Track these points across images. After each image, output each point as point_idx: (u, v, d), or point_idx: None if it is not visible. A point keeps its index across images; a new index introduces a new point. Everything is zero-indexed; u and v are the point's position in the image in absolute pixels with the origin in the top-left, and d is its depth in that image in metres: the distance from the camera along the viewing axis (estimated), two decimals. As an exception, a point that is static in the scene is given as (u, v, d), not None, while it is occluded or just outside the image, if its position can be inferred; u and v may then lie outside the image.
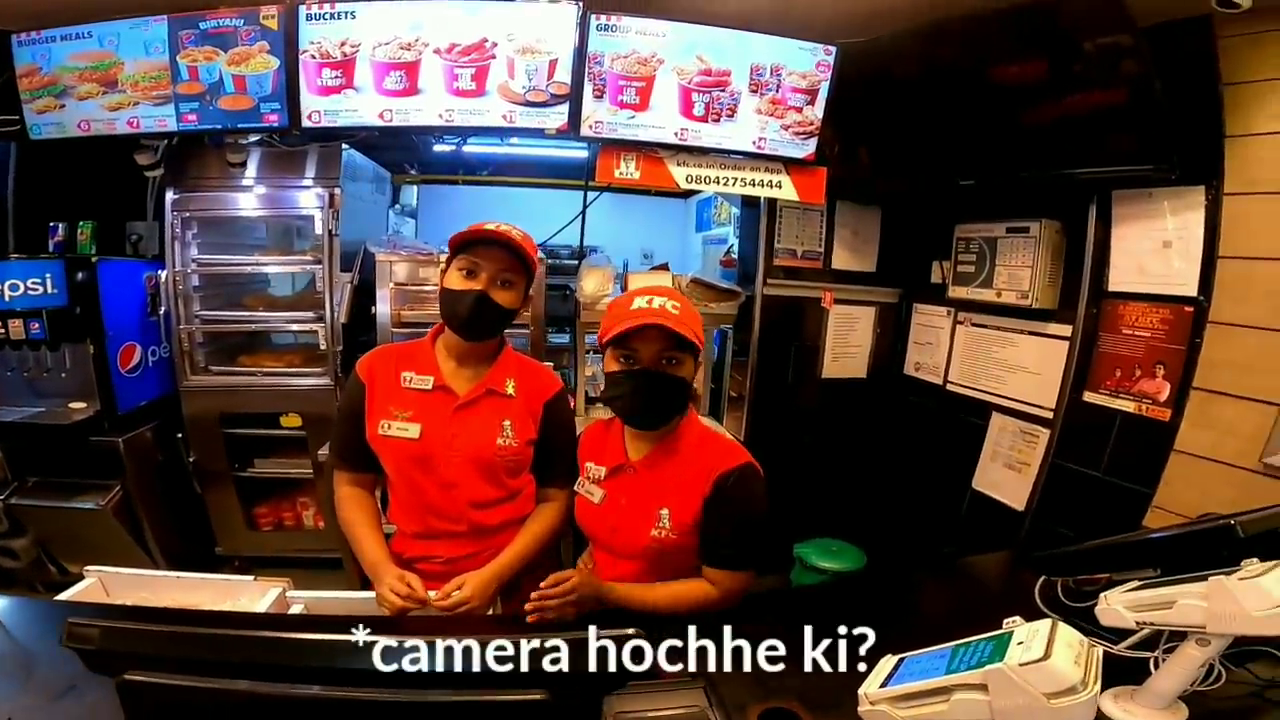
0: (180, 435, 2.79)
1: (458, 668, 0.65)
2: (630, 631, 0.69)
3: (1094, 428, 2.16)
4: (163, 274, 2.65)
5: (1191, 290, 1.91)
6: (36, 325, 2.33)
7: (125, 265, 2.68)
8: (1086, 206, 2.19)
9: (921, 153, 2.57)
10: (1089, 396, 2.20)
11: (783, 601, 1.52)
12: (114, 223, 2.91)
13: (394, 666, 0.64)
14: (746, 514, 1.32)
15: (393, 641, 0.66)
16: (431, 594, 1.33)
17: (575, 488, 1.47)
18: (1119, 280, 2.13)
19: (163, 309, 2.68)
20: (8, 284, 2.31)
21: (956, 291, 2.66)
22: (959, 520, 2.68)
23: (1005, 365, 2.53)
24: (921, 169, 2.63)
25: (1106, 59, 1.89)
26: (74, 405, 2.53)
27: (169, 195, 2.63)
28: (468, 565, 1.43)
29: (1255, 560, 0.89)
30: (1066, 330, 2.27)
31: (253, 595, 1.41)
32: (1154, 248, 2.02)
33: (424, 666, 0.64)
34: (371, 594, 1.39)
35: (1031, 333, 2.42)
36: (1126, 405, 2.07)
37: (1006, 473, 2.49)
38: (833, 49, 2.35)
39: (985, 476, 2.59)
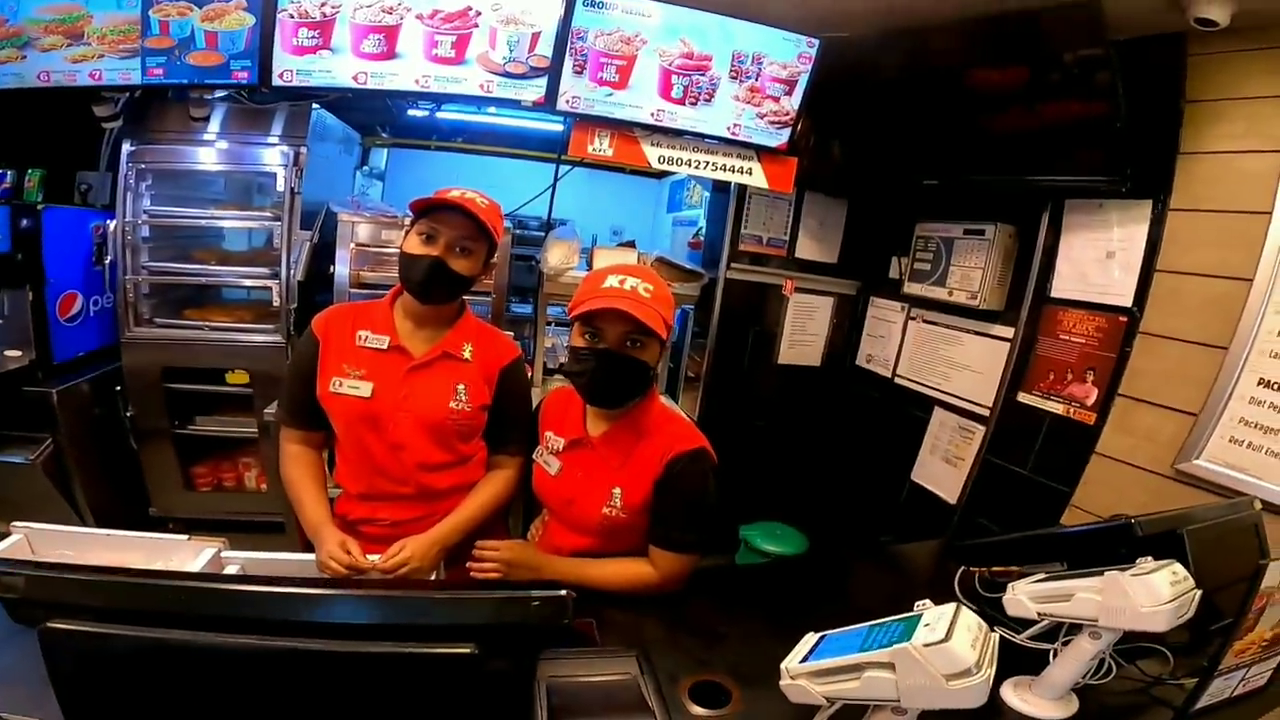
0: (119, 388, 2.68)
1: (388, 620, 0.64)
2: (562, 593, 0.69)
3: (1025, 427, 2.26)
4: (112, 224, 2.53)
5: (1127, 301, 2.00)
6: (-25, 270, 2.20)
7: (72, 213, 2.55)
8: (1040, 213, 2.27)
9: (891, 150, 2.63)
10: (1022, 397, 2.29)
11: (723, 579, 1.56)
12: (64, 172, 2.78)
13: (323, 618, 0.63)
14: (695, 499, 1.34)
15: (323, 592, 0.66)
16: (374, 558, 1.33)
17: (534, 456, 1.48)
18: (1062, 287, 2.22)
19: (109, 259, 2.56)
20: (-53, 230, 2.18)
21: (912, 288, 2.74)
22: (897, 510, 2.78)
23: (951, 362, 2.63)
24: (889, 166, 2.69)
25: (1077, 70, 1.93)
26: (9, 353, 2.38)
27: (125, 147, 2.51)
28: (413, 529, 1.43)
29: (1149, 559, 0.96)
30: (1009, 332, 2.37)
31: (186, 555, 1.36)
32: (1098, 257, 2.10)
33: (354, 619, 0.64)
34: (311, 556, 1.39)
35: (977, 332, 2.52)
36: (1056, 407, 2.17)
37: (943, 466, 2.59)
38: (816, 42, 2.37)
39: (924, 469, 2.70)
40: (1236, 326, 1.70)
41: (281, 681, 0.56)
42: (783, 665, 0.90)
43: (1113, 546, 1.04)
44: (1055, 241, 2.24)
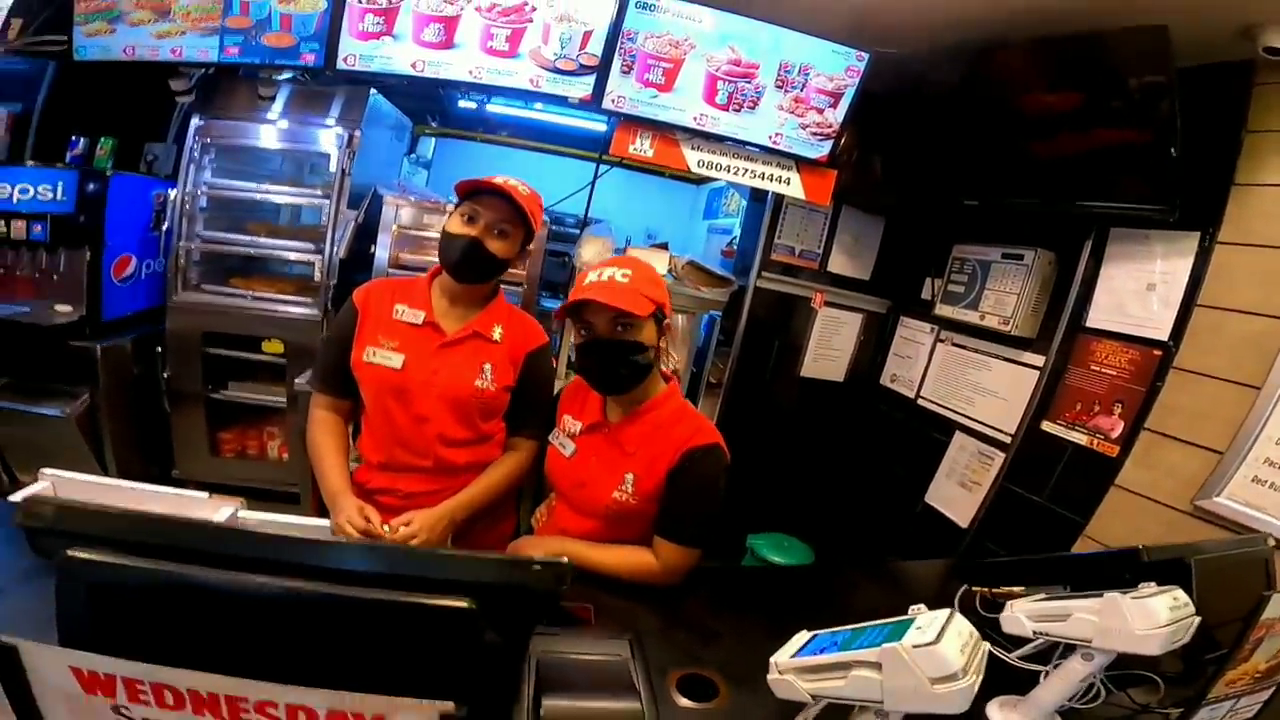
0: (160, 350, 2.79)
1: (392, 570, 0.66)
2: (563, 560, 0.71)
3: (1045, 456, 2.22)
4: (173, 193, 2.66)
5: (1164, 335, 1.96)
6: (39, 227, 2.34)
7: (137, 180, 2.69)
8: (1082, 241, 2.23)
9: (933, 169, 2.61)
10: (1046, 425, 2.25)
11: (723, 579, 1.57)
12: (133, 142, 2.93)
13: (332, 564, 0.64)
14: (706, 493, 1.35)
15: (333, 539, 0.66)
16: (385, 528, 1.38)
17: (550, 438, 1.51)
18: (1098, 317, 2.17)
19: (165, 225, 2.69)
20: (18, 187, 2.34)
21: (943, 309, 2.71)
22: (907, 531, 2.75)
23: (976, 387, 2.59)
24: (930, 185, 2.67)
25: (1137, 96, 1.89)
26: (60, 308, 2.51)
27: (194, 121, 2.65)
28: (426, 502, 1.47)
29: (1153, 584, 0.96)
30: (1039, 360, 2.32)
31: (205, 511, 1.40)
32: (1138, 289, 2.06)
33: (359, 566, 0.65)
34: (325, 521, 1.44)
35: (1006, 359, 2.47)
36: (1080, 438, 2.14)
37: (958, 490, 2.56)
38: (865, 55, 2.36)
39: (938, 491, 2.66)
40: (1272, 366, 1.66)
41: (283, 621, 0.58)
42: (772, 659, 0.91)
43: (1118, 572, 1.02)
44: (1095, 270, 2.21)
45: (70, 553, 0.54)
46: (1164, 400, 1.93)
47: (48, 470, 1.46)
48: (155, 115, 2.97)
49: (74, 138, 2.79)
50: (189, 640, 0.57)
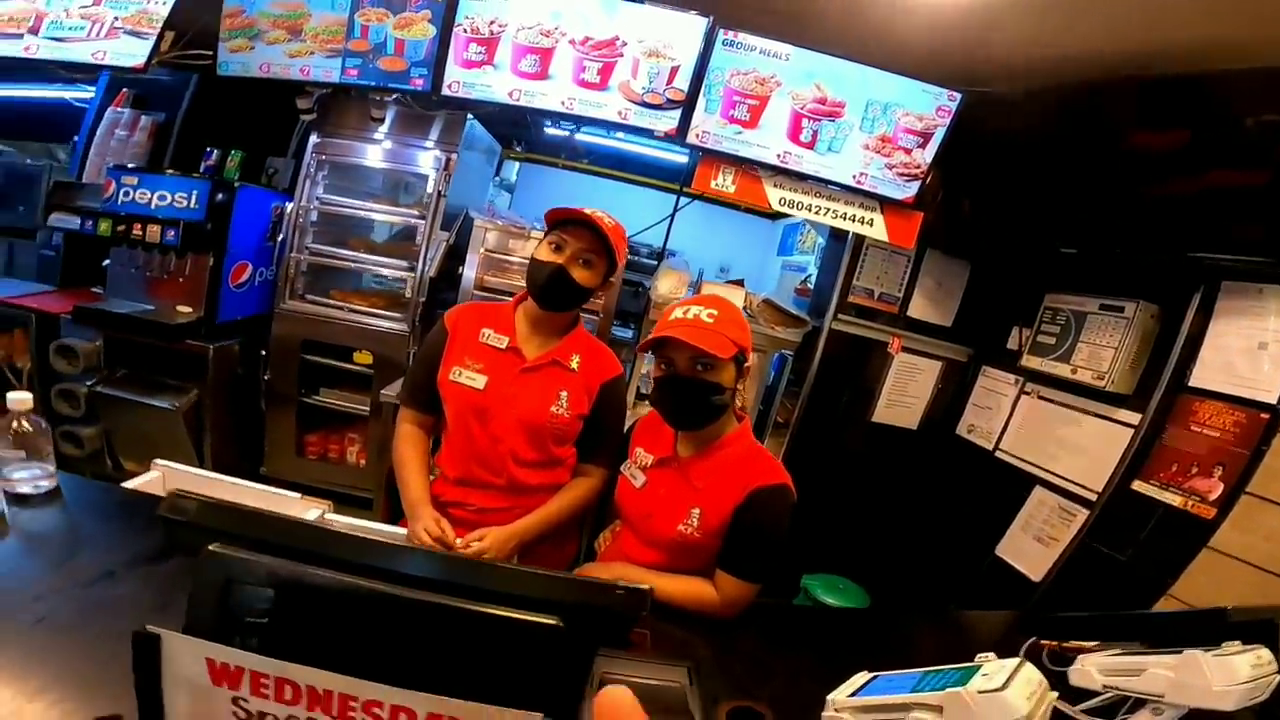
0: (264, 353, 2.99)
1: (488, 586, 0.68)
2: (645, 586, 0.73)
3: (1133, 515, 2.13)
4: (289, 206, 2.89)
5: (1272, 398, 1.85)
6: (172, 233, 2.57)
7: (260, 193, 2.91)
8: (1190, 294, 2.12)
9: (1026, 213, 2.52)
10: (1138, 485, 2.16)
11: (778, 616, 1.54)
12: (257, 155, 3.20)
13: (438, 575, 0.68)
14: (771, 531, 1.35)
15: (442, 553, 0.69)
16: (457, 541, 1.43)
17: (621, 469, 1.54)
18: (1203, 376, 2.05)
19: (280, 236, 2.91)
20: (157, 194, 2.57)
21: (1031, 361, 2.60)
22: (972, 582, 2.65)
23: (1063, 443, 2.46)
24: (1023, 230, 2.58)
25: (1255, 138, 1.81)
26: (181, 308, 2.73)
27: (312, 138, 2.87)
28: (497, 519, 1.52)
29: (1238, 643, 0.92)
30: (1135, 418, 2.21)
31: (296, 510, 1.49)
32: (1248, 347, 1.94)
33: (462, 580, 0.69)
34: (403, 530, 1.50)
35: (1098, 415, 2.35)
36: (1173, 499, 2.03)
37: (1033, 544, 2.46)
38: (958, 95, 2.34)
39: (1011, 544, 2.56)
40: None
41: (393, 626, 0.62)
42: (829, 697, 0.90)
43: (1201, 631, 0.99)
44: (1203, 326, 2.09)
45: (213, 548, 0.59)
46: (1269, 464, 1.82)
47: (159, 461, 1.60)
48: (278, 131, 3.24)
49: (208, 149, 3.07)
50: (307, 638, 0.61)
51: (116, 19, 2.63)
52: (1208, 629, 0.99)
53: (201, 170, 3.02)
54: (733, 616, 1.35)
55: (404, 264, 2.93)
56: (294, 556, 0.62)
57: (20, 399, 1.28)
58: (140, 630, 0.54)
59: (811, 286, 3.38)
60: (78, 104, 3.44)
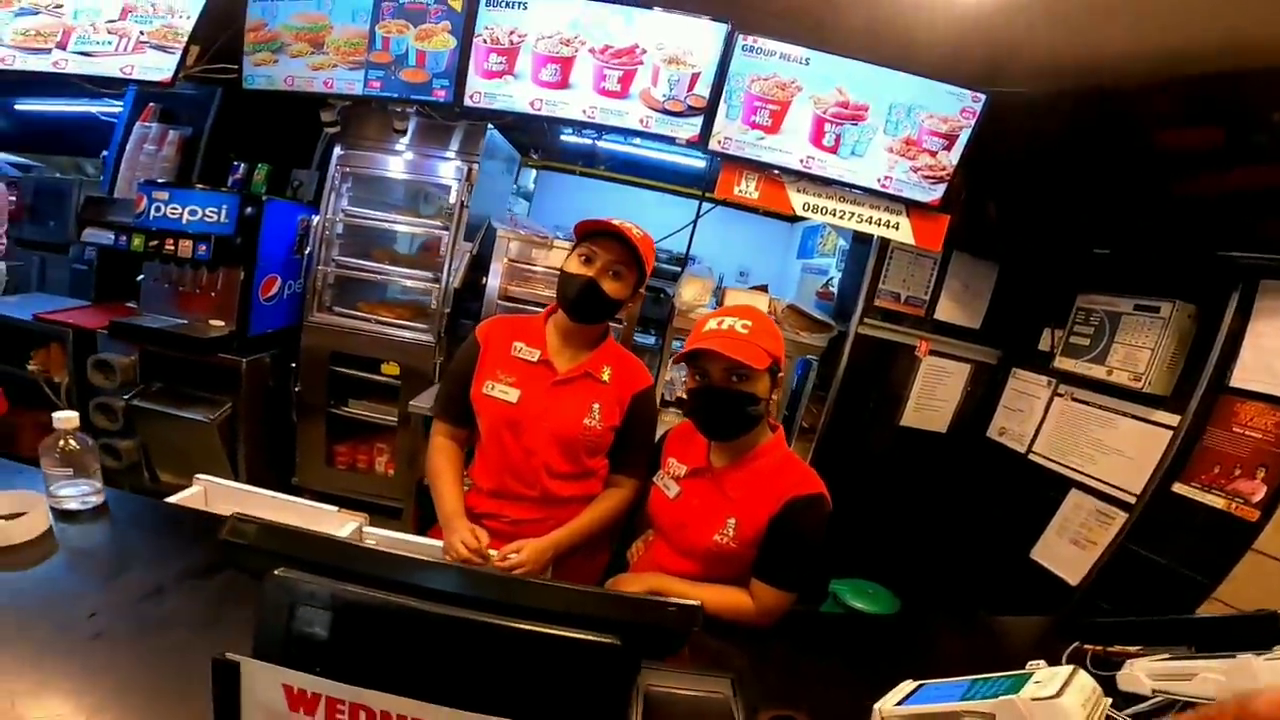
0: (294, 365, 3.02)
1: (545, 606, 0.68)
2: (695, 603, 0.73)
3: (1174, 518, 2.10)
4: (315, 218, 2.92)
5: (1316, 399, 1.80)
6: (204, 247, 2.61)
7: (287, 206, 2.94)
8: (1228, 293, 2.08)
9: (1056, 214, 2.49)
10: (1178, 488, 2.12)
11: (811, 624, 1.54)
12: (283, 168, 3.23)
13: (494, 596, 0.67)
14: (808, 541, 1.35)
15: (496, 574, 0.71)
16: (493, 553, 1.42)
17: (654, 480, 1.54)
18: (1244, 377, 2.02)
19: (308, 249, 2.95)
20: (188, 209, 2.61)
21: (1064, 363, 2.56)
22: (1006, 586, 2.62)
23: (1099, 445, 2.42)
24: (1052, 230, 2.54)
25: None
26: (214, 323, 2.78)
27: (336, 150, 2.90)
28: (530, 530, 1.51)
29: None
30: (1174, 420, 2.16)
31: (334, 524, 1.50)
32: (1290, 348, 1.90)
33: (517, 600, 0.68)
34: (439, 542, 1.50)
35: (1136, 416, 2.31)
36: (1216, 501, 2.00)
37: (1070, 548, 2.42)
38: (982, 96, 2.32)
39: (1046, 548, 2.52)
40: None
41: (454, 648, 0.63)
42: (876, 705, 0.89)
43: (1253, 635, 0.98)
44: (1242, 325, 2.05)
45: (278, 573, 0.59)
46: None
47: (201, 476, 1.61)
48: (302, 144, 3.28)
49: (235, 162, 3.12)
50: (371, 661, 0.61)
51: (142, 33, 2.68)
52: (1258, 633, 0.98)
53: (229, 184, 3.06)
54: (769, 625, 1.35)
55: (428, 275, 2.95)
56: (350, 578, 0.63)
57: (67, 418, 1.30)
58: (219, 657, 0.55)
59: (834, 290, 3.36)
60: (105, 118, 3.51)
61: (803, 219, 4.24)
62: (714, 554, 1.38)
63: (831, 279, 3.62)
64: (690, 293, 2.79)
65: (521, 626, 0.59)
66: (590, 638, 0.62)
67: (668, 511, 1.48)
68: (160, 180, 2.92)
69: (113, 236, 2.74)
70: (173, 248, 2.62)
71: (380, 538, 1.59)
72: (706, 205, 3.11)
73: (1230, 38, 1.75)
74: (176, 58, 2.67)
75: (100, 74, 2.72)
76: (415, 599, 0.61)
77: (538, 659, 0.62)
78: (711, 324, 1.35)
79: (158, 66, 2.69)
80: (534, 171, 4.92)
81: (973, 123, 2.36)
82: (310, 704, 0.55)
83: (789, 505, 1.33)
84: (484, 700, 0.58)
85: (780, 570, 1.34)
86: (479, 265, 2.89)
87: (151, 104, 3.25)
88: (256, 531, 0.69)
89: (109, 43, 2.70)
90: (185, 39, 2.67)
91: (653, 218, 3.34)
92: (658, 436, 1.66)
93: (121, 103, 3.30)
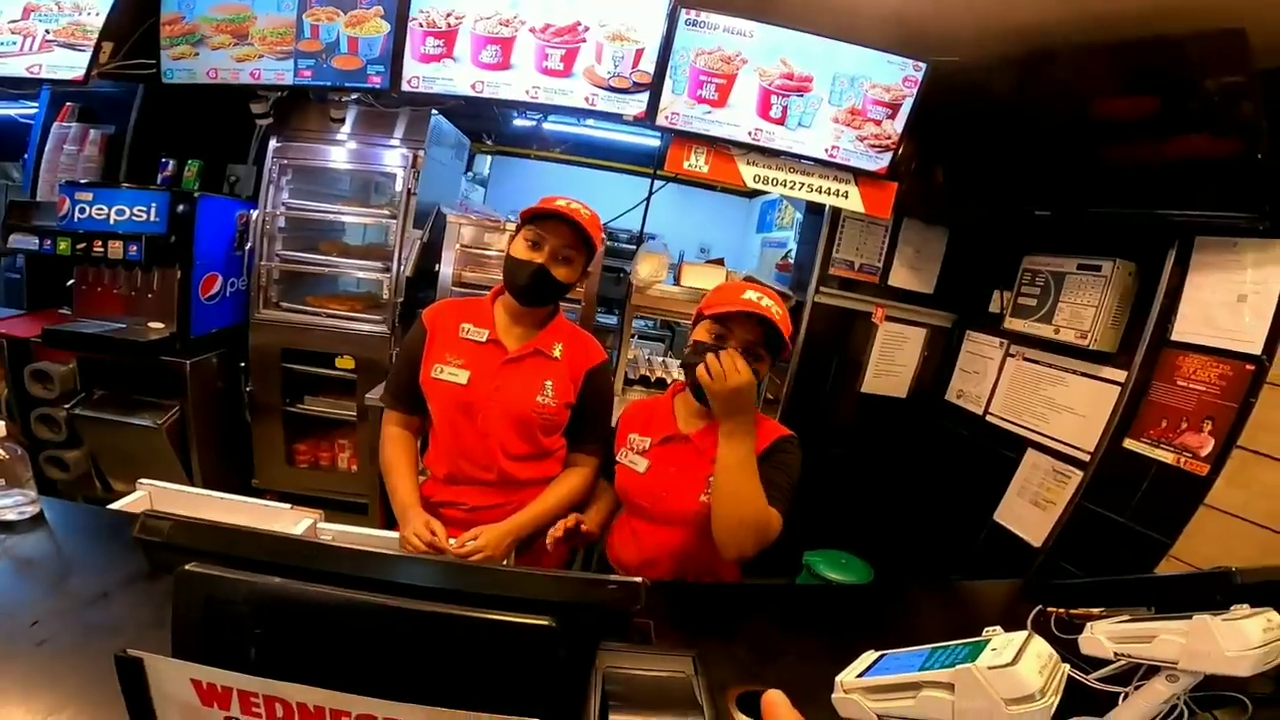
0: (243, 365, 2.94)
1: (476, 589, 0.68)
2: (637, 580, 0.72)
3: (1127, 475, 2.13)
4: (254, 213, 2.82)
5: (1256, 348, 1.85)
6: (135, 248, 2.49)
7: (222, 202, 2.84)
8: (1165, 250, 2.13)
9: (1000, 179, 2.52)
10: (1129, 443, 2.16)
11: (783, 597, 1.55)
12: (216, 164, 3.12)
13: (419, 581, 0.66)
14: (790, 469, 1.39)
15: (422, 557, 0.68)
16: (451, 542, 1.41)
17: (618, 458, 1.52)
18: (1184, 330, 2.07)
19: (248, 245, 2.85)
20: (115, 209, 2.49)
21: (1013, 323, 2.61)
22: (973, 550, 2.66)
23: (1051, 403, 2.48)
24: (997, 195, 2.58)
25: (1217, 99, 1.82)
26: (153, 325, 2.67)
27: (272, 143, 2.80)
28: (490, 516, 1.50)
29: (1246, 606, 0.91)
30: (1121, 375, 2.22)
31: (287, 522, 1.48)
32: (1227, 300, 1.96)
33: (446, 584, 0.68)
34: (396, 534, 1.48)
35: (1084, 374, 2.36)
36: (1165, 456, 2.04)
37: (1031, 509, 2.47)
38: (923, 65, 2.33)
39: (1009, 510, 2.57)
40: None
41: (378, 636, 0.61)
42: (837, 678, 0.89)
43: (1208, 594, 0.98)
44: (1180, 281, 2.10)
45: (188, 567, 0.57)
46: (1257, 417, 1.83)
47: (144, 480, 1.56)
48: (237, 138, 3.15)
49: (163, 159, 2.99)
50: (293, 653, 0.60)
51: (48, 31, 2.55)
52: (1214, 591, 0.98)
53: (159, 182, 2.94)
54: (756, 550, 1.31)
55: (379, 265, 2.88)
56: (276, 571, 0.61)
57: (-6, 428, 1.25)
58: (121, 653, 0.53)
59: (793, 262, 3.38)
60: (23, 119, 3.33)
61: (760, 193, 4.26)
62: (703, 515, 1.36)
63: (790, 251, 3.64)
64: (647, 269, 2.78)
65: (445, 611, 0.57)
66: (522, 620, 0.61)
67: (641, 488, 1.47)
68: (84, 181, 2.77)
69: (37, 241, 2.60)
70: (102, 249, 2.50)
71: (336, 533, 1.57)
72: (659, 182, 3.09)
73: (1159, 3, 1.79)
74: (88, 55, 2.53)
75: (7, 74, 2.58)
76: (336, 587, 0.59)
77: (468, 644, 0.60)
78: (751, 295, 1.33)
79: (68, 65, 2.55)
80: (489, 158, 4.84)
81: (915, 91, 2.37)
82: (223, 698, 0.53)
83: (774, 445, 1.39)
84: (413, 690, 0.56)
85: (772, 491, 1.32)
86: (431, 253, 2.83)
87: (69, 103, 3.08)
88: (170, 528, 0.67)
89: (13, 42, 2.57)
90: (96, 35, 2.53)
91: (610, 198, 3.32)
92: (615, 417, 1.64)
93: (36, 104, 3.13)
